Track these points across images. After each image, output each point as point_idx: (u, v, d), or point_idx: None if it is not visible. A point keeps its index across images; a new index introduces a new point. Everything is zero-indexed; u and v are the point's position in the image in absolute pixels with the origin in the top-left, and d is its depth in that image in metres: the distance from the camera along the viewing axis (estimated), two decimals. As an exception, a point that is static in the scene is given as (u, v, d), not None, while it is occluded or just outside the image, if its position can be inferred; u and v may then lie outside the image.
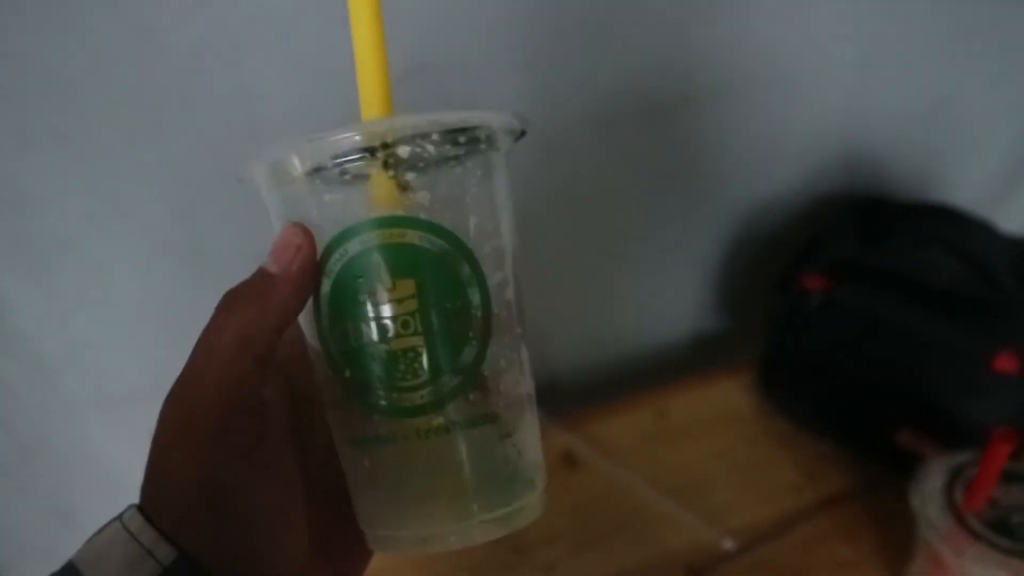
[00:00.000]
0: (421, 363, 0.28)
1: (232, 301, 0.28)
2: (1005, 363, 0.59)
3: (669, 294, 0.85)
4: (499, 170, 0.30)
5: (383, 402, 0.28)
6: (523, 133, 0.30)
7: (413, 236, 0.27)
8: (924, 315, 0.63)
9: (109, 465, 0.68)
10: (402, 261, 0.27)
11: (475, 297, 0.28)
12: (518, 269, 0.31)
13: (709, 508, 0.67)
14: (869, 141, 0.82)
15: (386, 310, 0.27)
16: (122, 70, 0.52)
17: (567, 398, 0.78)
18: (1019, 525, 0.50)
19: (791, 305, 0.72)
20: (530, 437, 0.31)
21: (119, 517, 0.27)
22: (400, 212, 0.27)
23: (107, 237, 0.58)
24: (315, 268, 0.28)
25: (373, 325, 0.28)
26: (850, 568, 0.61)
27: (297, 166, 0.28)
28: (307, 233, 0.28)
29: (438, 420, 0.28)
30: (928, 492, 0.53)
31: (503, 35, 0.61)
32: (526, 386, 0.31)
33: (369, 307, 0.28)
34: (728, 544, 0.63)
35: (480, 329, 0.28)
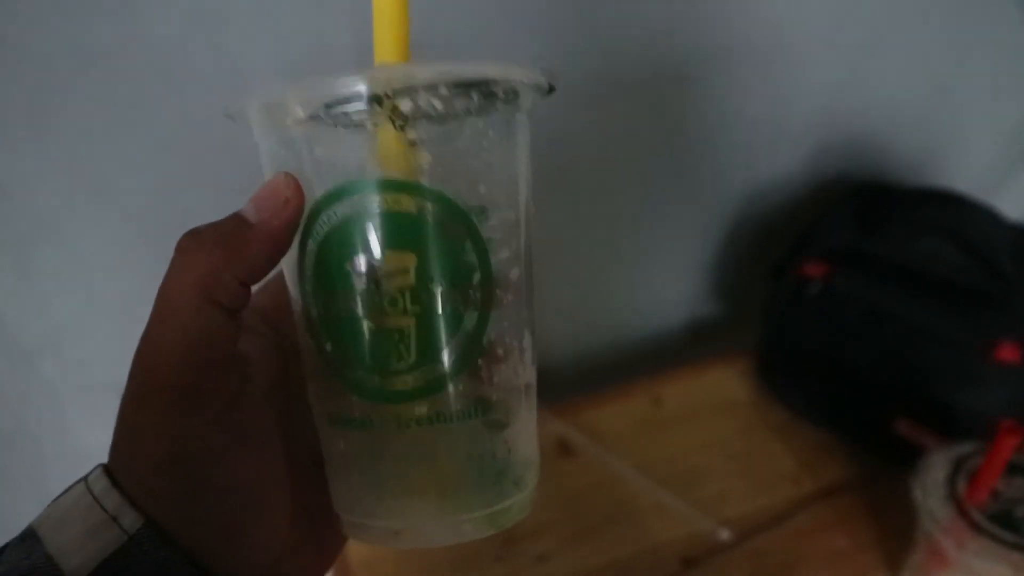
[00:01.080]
0: (409, 345, 0.25)
1: (193, 243, 0.25)
2: (1006, 353, 0.58)
3: (664, 280, 0.84)
4: (518, 132, 0.27)
5: (364, 384, 0.25)
6: (551, 89, 0.27)
7: (410, 203, 0.24)
8: (924, 304, 0.62)
9: (90, 452, 0.65)
10: (395, 231, 0.24)
11: (475, 276, 0.25)
12: (531, 244, 0.28)
13: (704, 498, 0.66)
14: (869, 124, 0.81)
15: (374, 284, 0.25)
16: (101, 48, 0.50)
17: (561, 385, 0.77)
18: (1023, 518, 0.49)
19: (788, 293, 0.70)
20: (524, 432, 0.28)
21: (85, 478, 0.25)
22: (397, 175, 0.24)
23: (87, 221, 0.56)
24: (296, 229, 0.26)
25: (359, 299, 0.25)
26: (847, 559, 0.61)
27: (290, 109, 0.24)
28: (299, 188, 0.25)
29: (421, 409, 0.25)
30: (930, 483, 0.52)
31: (491, 11, 0.59)
32: (526, 375, 0.28)
33: (355, 279, 0.25)
34: (724, 534, 0.62)
35: (478, 312, 0.25)
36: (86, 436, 0.66)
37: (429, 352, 0.25)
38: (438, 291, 0.25)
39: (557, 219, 0.72)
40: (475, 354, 0.26)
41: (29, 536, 0.24)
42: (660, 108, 0.71)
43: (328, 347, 0.26)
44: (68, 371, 0.63)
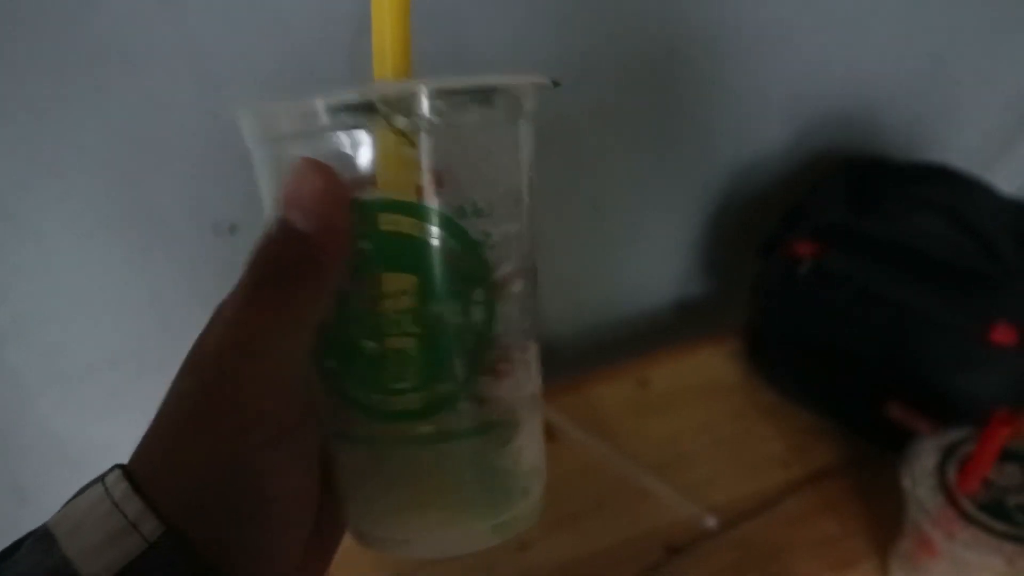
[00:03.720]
0: (411, 366, 0.24)
1: (279, 277, 0.23)
2: (1002, 335, 0.56)
3: (651, 259, 0.82)
4: (522, 141, 0.26)
5: (367, 402, 0.25)
6: (556, 84, 0.26)
7: (408, 224, 0.23)
8: (918, 284, 0.60)
9: (64, 441, 0.65)
10: (394, 252, 0.24)
11: (477, 294, 0.24)
12: (533, 254, 0.27)
13: (691, 483, 0.64)
14: (862, 98, 0.79)
15: (373, 305, 0.24)
16: (54, 21, 0.48)
17: (545, 368, 0.75)
18: (1015, 508, 0.47)
19: (779, 272, 0.68)
20: (530, 442, 0.28)
21: (102, 479, 0.24)
22: (395, 194, 0.23)
23: (44, 204, 0.54)
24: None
25: (358, 319, 0.24)
26: (836, 545, 0.60)
27: (286, 124, 0.24)
28: (342, 183, 0.23)
29: (425, 428, 0.25)
30: (919, 472, 0.51)
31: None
32: (530, 386, 0.27)
33: (354, 299, 0.24)
34: (710, 522, 0.61)
35: (480, 330, 0.25)
36: (60, 424, 0.65)
37: (431, 372, 0.25)
38: (439, 311, 0.24)
39: (542, 200, 0.70)
40: (478, 372, 0.25)
41: (45, 537, 0.23)
42: (647, 84, 0.69)
43: (331, 364, 0.25)
44: (36, 359, 0.61)
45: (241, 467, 0.24)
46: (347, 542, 0.29)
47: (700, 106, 0.72)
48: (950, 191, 0.65)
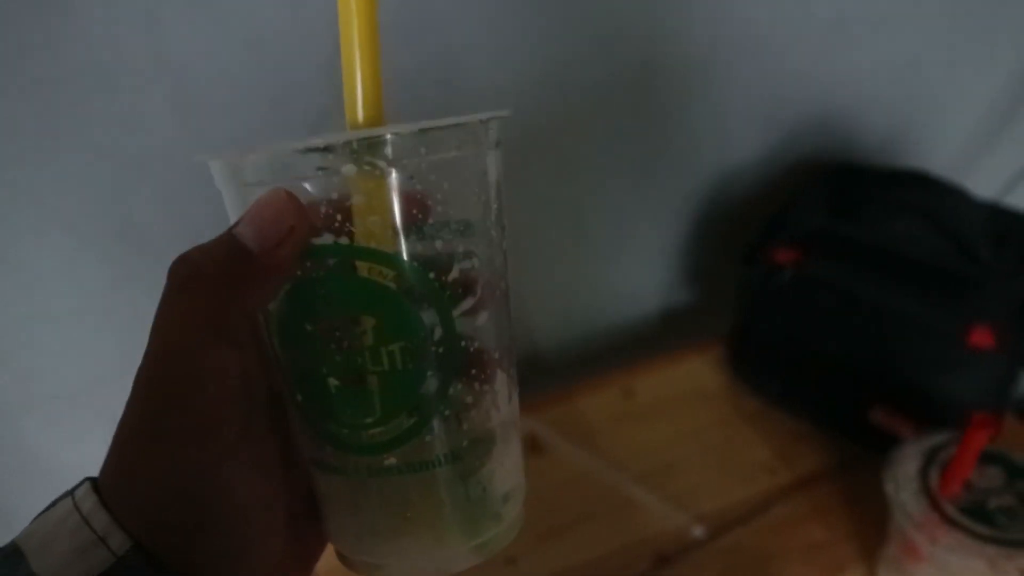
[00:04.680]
0: (373, 403, 0.25)
1: (191, 276, 0.24)
2: (980, 338, 0.57)
3: (635, 268, 0.82)
4: (488, 173, 0.26)
5: (335, 435, 0.26)
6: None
7: (364, 268, 0.24)
8: (898, 289, 0.61)
9: (45, 462, 0.65)
10: (354, 295, 0.24)
11: (436, 332, 0.25)
12: (500, 285, 0.27)
13: (678, 492, 0.64)
14: (840, 104, 0.79)
15: (334, 345, 0.24)
16: (30, 40, 0.48)
17: (530, 379, 0.75)
18: (997, 510, 0.48)
19: (761, 279, 0.69)
20: (500, 469, 0.28)
21: (71, 493, 0.24)
22: (358, 240, 0.24)
23: (22, 227, 0.54)
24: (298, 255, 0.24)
25: (321, 357, 0.25)
26: (823, 551, 0.60)
27: (251, 172, 0.24)
28: (302, 211, 0.23)
29: (391, 460, 0.25)
30: (902, 477, 0.51)
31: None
32: (500, 416, 0.28)
33: (316, 339, 0.25)
34: (698, 531, 0.61)
35: (441, 367, 0.25)
36: (42, 446, 0.64)
37: (394, 408, 0.25)
38: (398, 350, 0.24)
39: (522, 208, 0.70)
40: (441, 406, 0.26)
41: (13, 553, 0.23)
42: (627, 95, 0.69)
43: (299, 397, 0.26)
44: (18, 382, 0.61)
45: (202, 477, 0.24)
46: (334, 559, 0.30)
47: (680, 115, 0.73)
48: (927, 195, 0.65)
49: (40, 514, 0.25)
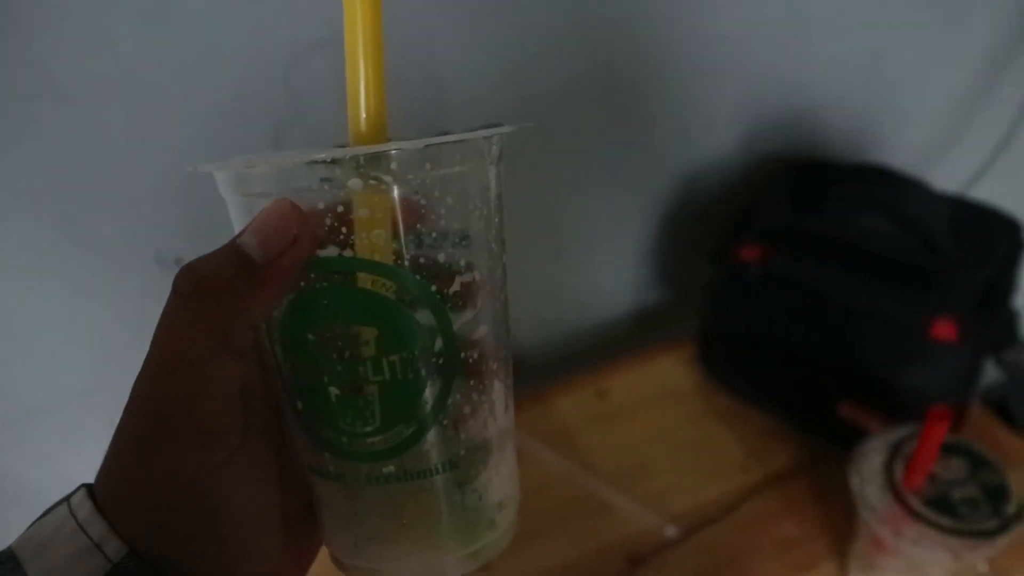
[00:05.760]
0: (372, 412, 0.25)
1: (196, 288, 0.24)
2: (943, 330, 0.57)
3: (607, 270, 0.82)
4: (490, 187, 0.27)
5: (333, 443, 0.26)
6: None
7: (366, 280, 0.24)
8: (862, 283, 0.61)
9: (19, 481, 0.64)
10: (356, 306, 0.25)
11: (436, 343, 0.25)
12: (499, 297, 0.28)
13: (652, 491, 0.65)
14: (803, 100, 0.79)
15: (335, 355, 0.25)
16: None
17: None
18: (960, 501, 0.48)
19: (728, 277, 0.69)
20: (496, 477, 0.28)
21: (67, 499, 0.25)
22: (360, 252, 0.24)
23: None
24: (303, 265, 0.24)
25: (322, 367, 0.25)
26: (796, 547, 0.60)
27: (253, 184, 0.25)
28: (307, 223, 0.24)
29: (389, 468, 0.26)
30: (867, 471, 0.51)
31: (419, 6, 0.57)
32: (497, 425, 0.28)
33: (318, 348, 0.25)
34: (670, 531, 0.61)
35: (440, 377, 0.26)
36: (15, 465, 0.63)
37: (393, 417, 0.25)
38: (399, 361, 0.25)
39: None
40: (440, 416, 0.26)
41: (9, 560, 0.23)
42: (592, 97, 0.69)
43: (299, 405, 0.26)
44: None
45: (200, 485, 0.24)
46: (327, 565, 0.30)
47: (645, 116, 0.73)
48: (889, 190, 0.66)
49: (36, 521, 0.25)
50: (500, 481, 0.29)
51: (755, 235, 0.68)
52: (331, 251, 0.24)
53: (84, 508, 0.24)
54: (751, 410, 0.71)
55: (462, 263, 0.26)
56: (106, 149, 0.54)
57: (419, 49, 0.59)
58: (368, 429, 0.25)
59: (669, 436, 0.70)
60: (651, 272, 0.85)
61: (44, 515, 0.25)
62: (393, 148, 0.23)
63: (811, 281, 0.64)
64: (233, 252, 0.24)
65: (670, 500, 0.64)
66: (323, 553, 0.31)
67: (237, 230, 0.25)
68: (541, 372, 0.78)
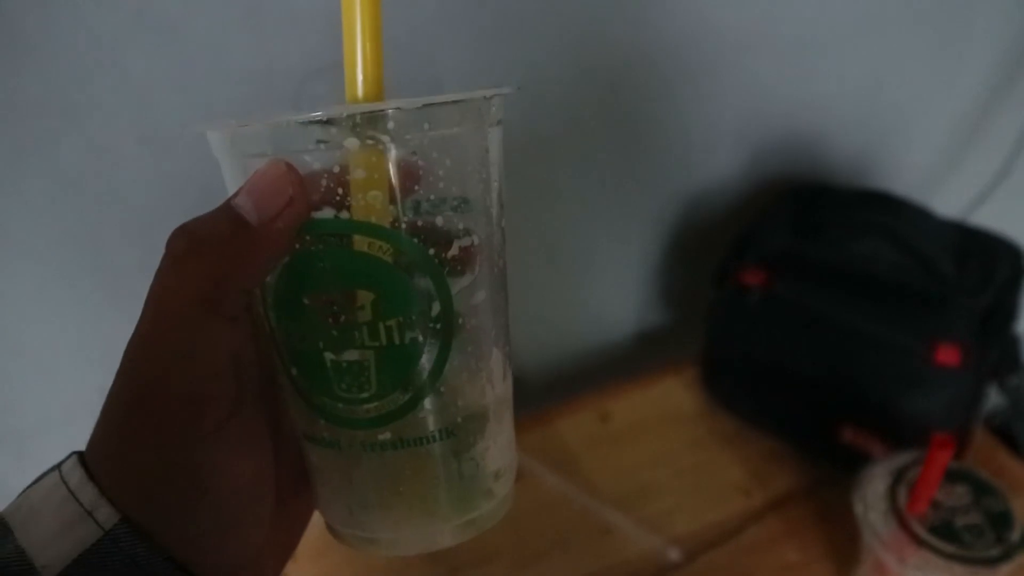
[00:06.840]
0: (368, 377, 0.25)
1: (189, 247, 0.23)
2: (946, 356, 0.57)
3: (609, 291, 0.83)
4: (488, 149, 0.26)
5: (329, 409, 0.26)
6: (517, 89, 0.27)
7: (363, 243, 0.24)
8: (865, 308, 0.61)
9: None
10: (352, 269, 0.24)
11: (434, 308, 0.25)
12: (498, 263, 0.28)
13: (654, 515, 0.64)
14: (805, 125, 0.80)
15: (330, 320, 0.24)
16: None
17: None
18: (964, 528, 0.48)
19: (730, 301, 0.69)
20: (494, 446, 0.28)
21: (58, 467, 0.24)
22: (356, 214, 0.23)
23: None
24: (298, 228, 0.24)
25: (318, 331, 0.25)
26: (798, 571, 0.60)
27: (248, 144, 0.24)
28: (301, 183, 0.23)
29: (385, 435, 0.26)
30: (870, 497, 0.51)
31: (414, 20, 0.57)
32: (494, 393, 0.28)
33: (313, 312, 0.24)
34: (673, 554, 0.61)
35: (438, 342, 0.25)
36: (13, 481, 0.63)
37: (389, 383, 0.25)
38: (395, 325, 0.24)
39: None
40: (437, 382, 0.26)
41: (0, 526, 0.23)
42: (596, 117, 0.70)
43: (293, 371, 0.26)
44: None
45: (191, 452, 0.24)
46: (317, 540, 0.30)
47: (649, 138, 0.73)
48: (891, 215, 0.66)
49: (27, 488, 0.25)
50: (497, 450, 0.28)
51: (757, 259, 0.68)
52: (327, 213, 0.24)
53: (75, 475, 0.24)
54: (754, 434, 0.71)
55: (460, 227, 0.25)
56: (115, 165, 0.54)
57: (406, 67, 0.59)
58: (364, 395, 0.25)
59: (671, 459, 0.70)
60: (653, 294, 0.85)
61: (35, 483, 0.25)
62: (391, 107, 0.23)
63: (814, 306, 0.64)
64: (227, 213, 0.24)
65: (672, 523, 0.64)
66: (316, 522, 0.30)
67: (231, 192, 0.25)
68: (543, 393, 0.78)
